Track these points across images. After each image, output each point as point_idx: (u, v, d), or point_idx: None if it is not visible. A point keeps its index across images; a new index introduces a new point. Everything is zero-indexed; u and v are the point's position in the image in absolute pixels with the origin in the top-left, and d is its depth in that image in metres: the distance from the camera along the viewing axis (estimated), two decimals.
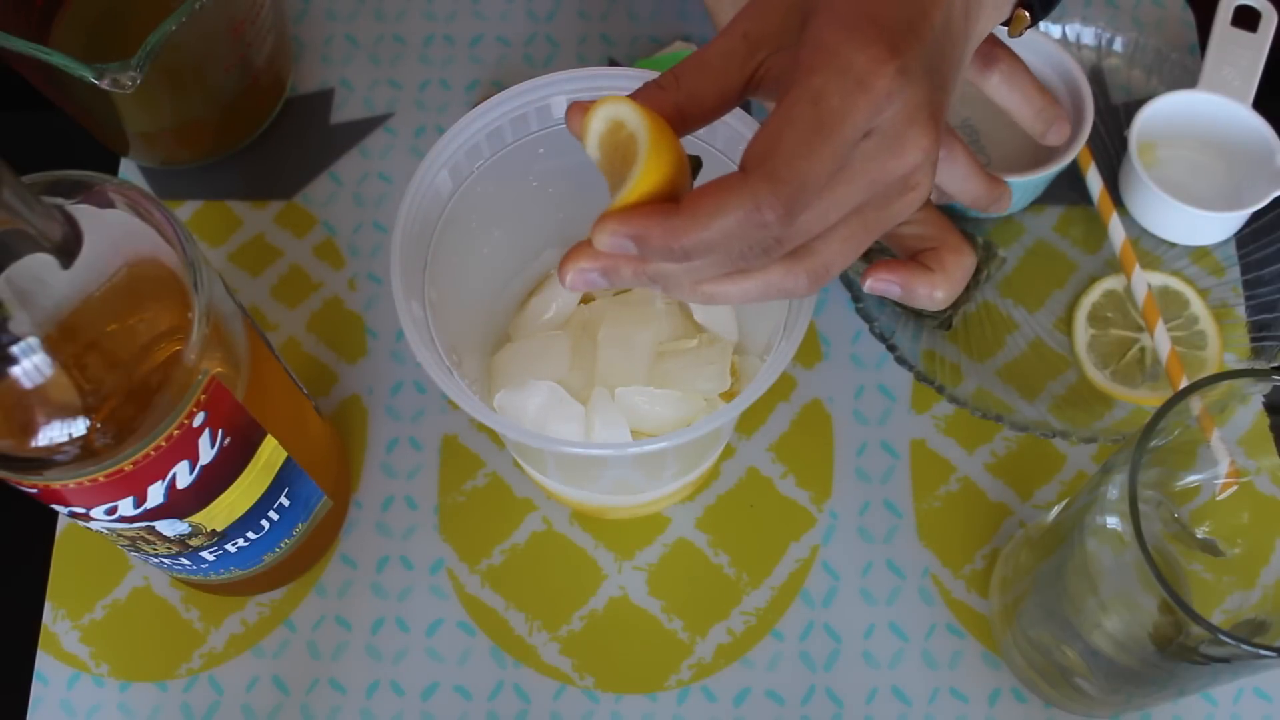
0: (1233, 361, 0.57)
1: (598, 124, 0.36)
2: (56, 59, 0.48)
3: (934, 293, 0.40)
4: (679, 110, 0.37)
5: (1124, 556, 0.39)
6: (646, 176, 0.34)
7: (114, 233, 0.38)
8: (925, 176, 0.35)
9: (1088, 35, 0.64)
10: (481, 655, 0.53)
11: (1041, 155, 0.59)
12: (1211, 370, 0.57)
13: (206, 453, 0.41)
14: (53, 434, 0.37)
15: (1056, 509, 0.47)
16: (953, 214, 0.60)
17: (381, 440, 0.57)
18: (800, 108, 0.33)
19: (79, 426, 0.37)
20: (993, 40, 0.44)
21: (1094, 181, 0.60)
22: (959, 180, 0.43)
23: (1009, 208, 0.60)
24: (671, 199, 0.34)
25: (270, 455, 0.45)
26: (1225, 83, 0.60)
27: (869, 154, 0.34)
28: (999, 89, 0.45)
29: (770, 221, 0.33)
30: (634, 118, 0.35)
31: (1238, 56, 0.60)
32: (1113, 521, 0.39)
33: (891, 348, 0.56)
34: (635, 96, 0.36)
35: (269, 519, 0.48)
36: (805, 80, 0.33)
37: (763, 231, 0.33)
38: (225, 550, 0.48)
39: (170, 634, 0.54)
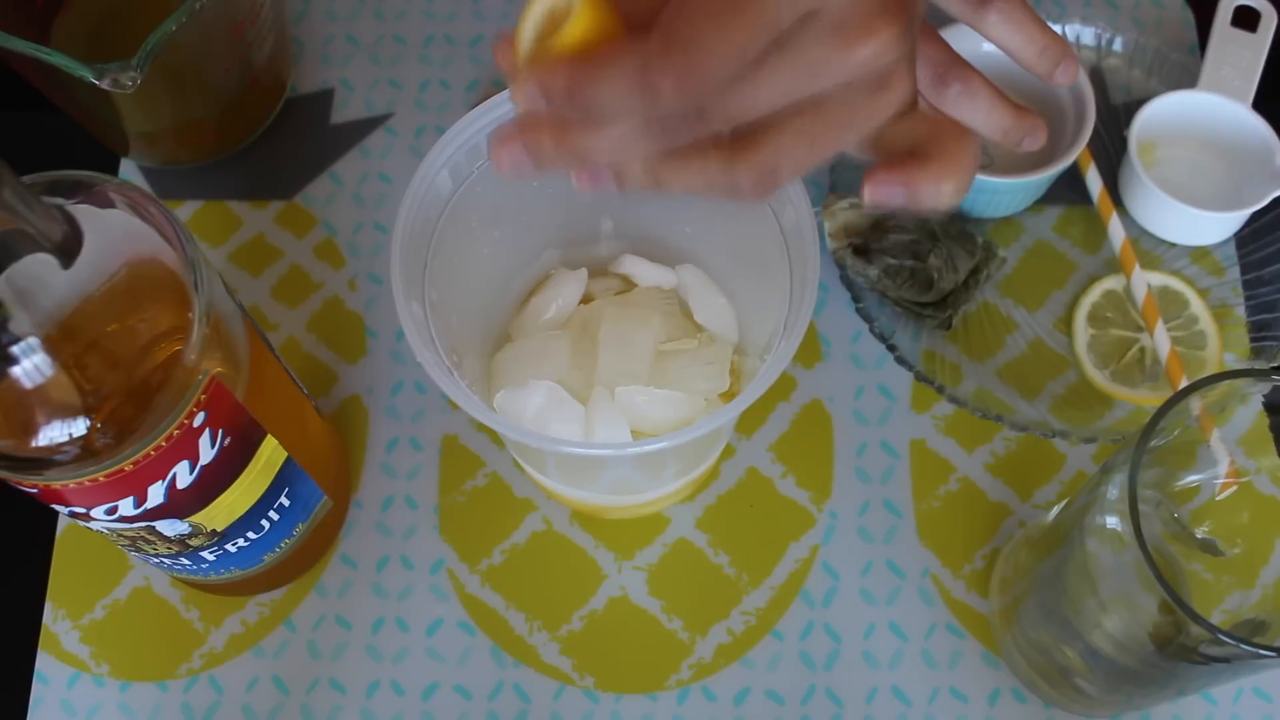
0: (1233, 361, 0.57)
1: (530, 23, 0.34)
2: (56, 59, 0.48)
3: (940, 186, 0.35)
4: (619, 21, 0.34)
5: (1124, 556, 0.39)
6: (574, 27, 0.32)
7: (114, 233, 0.38)
8: (900, 74, 0.32)
9: (1088, 35, 0.64)
10: (481, 655, 0.53)
11: (1042, 156, 0.59)
12: (1211, 370, 0.57)
13: (206, 453, 0.41)
14: (53, 434, 0.37)
15: (1056, 509, 0.47)
16: (952, 212, 0.60)
17: (381, 440, 0.57)
18: None
19: (79, 426, 0.37)
20: None
21: (1094, 181, 0.60)
22: (982, 114, 0.40)
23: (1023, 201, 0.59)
24: None
25: (270, 455, 0.45)
26: (1225, 83, 0.60)
27: (814, 37, 0.31)
28: (996, 28, 0.42)
29: (663, 87, 0.31)
30: None
31: (1238, 56, 0.60)
32: (1113, 521, 0.39)
33: (891, 348, 0.56)
34: None
35: (269, 519, 0.48)
36: None
37: (662, 101, 0.31)
38: (225, 550, 0.48)
39: (170, 634, 0.54)
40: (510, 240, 0.51)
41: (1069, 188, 0.61)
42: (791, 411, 0.58)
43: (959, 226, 0.58)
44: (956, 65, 0.42)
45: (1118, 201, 0.61)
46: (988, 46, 0.60)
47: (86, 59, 0.48)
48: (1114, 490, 0.39)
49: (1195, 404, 0.41)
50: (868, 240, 0.57)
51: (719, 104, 0.32)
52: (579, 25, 0.33)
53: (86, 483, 0.39)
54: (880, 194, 0.35)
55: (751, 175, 0.33)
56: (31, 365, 0.36)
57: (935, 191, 0.35)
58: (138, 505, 0.41)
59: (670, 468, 0.49)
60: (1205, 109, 0.60)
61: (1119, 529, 0.39)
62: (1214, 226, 0.59)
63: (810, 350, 0.59)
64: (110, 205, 0.39)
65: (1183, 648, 0.39)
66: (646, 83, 0.31)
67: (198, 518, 0.44)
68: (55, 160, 0.40)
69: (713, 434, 0.47)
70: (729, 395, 0.51)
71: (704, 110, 0.32)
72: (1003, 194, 0.58)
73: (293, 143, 0.64)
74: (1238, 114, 0.59)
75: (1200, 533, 0.47)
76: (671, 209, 0.52)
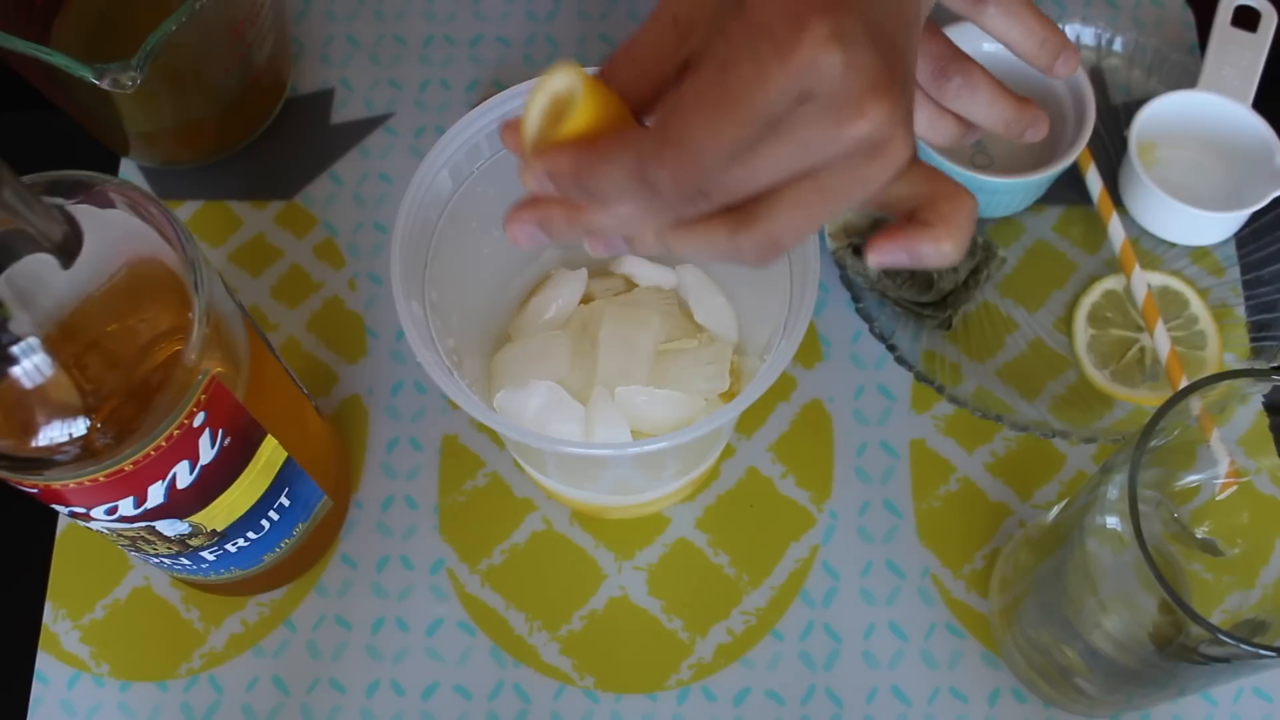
0: (1232, 361, 0.57)
1: (534, 113, 0.35)
2: (56, 59, 0.48)
3: (940, 247, 0.37)
4: (624, 96, 0.36)
5: (1124, 556, 0.39)
6: (578, 117, 0.34)
7: (114, 233, 0.38)
8: (896, 140, 0.33)
9: (1088, 35, 0.64)
10: (481, 655, 0.53)
11: (1042, 156, 0.59)
12: (1211, 370, 0.57)
13: (207, 453, 0.41)
14: (53, 434, 0.37)
15: (1056, 509, 0.47)
16: None
17: (381, 440, 0.57)
18: (708, 73, 0.32)
19: (79, 426, 0.37)
20: None
21: (1094, 181, 0.60)
22: (983, 107, 0.41)
23: (1018, 209, 0.60)
24: None
25: (270, 455, 0.45)
26: (1225, 83, 0.60)
27: (807, 119, 0.32)
28: (995, 21, 0.42)
29: (659, 180, 0.32)
30: (565, 76, 0.35)
31: (1238, 56, 0.60)
32: (1113, 521, 0.39)
33: (891, 348, 0.56)
34: None
35: (269, 519, 0.48)
36: (720, 46, 0.32)
37: (658, 191, 0.33)
38: (225, 550, 0.48)
39: (170, 634, 0.54)
40: (510, 240, 0.51)
41: (1069, 188, 0.61)
42: (791, 411, 0.58)
43: None
44: (957, 59, 0.42)
45: (1118, 201, 0.61)
46: (988, 46, 0.60)
47: (86, 59, 0.48)
48: (1114, 490, 0.39)
49: (1195, 404, 0.41)
50: (868, 240, 0.57)
51: (719, 183, 0.33)
52: (583, 114, 0.34)
53: (86, 483, 0.39)
54: (884, 259, 0.37)
55: (754, 246, 0.35)
56: (31, 365, 0.36)
57: (936, 253, 0.37)
58: (138, 505, 0.41)
59: (670, 468, 0.49)
60: (1205, 109, 0.60)
61: (1119, 529, 0.39)
62: (1214, 226, 0.59)
63: (810, 350, 0.59)
64: (110, 205, 0.39)
65: (1183, 648, 0.39)
66: (644, 175, 0.33)
67: (198, 518, 0.44)
68: (55, 160, 0.40)
69: (713, 434, 0.47)
70: (729, 395, 0.51)
71: (705, 190, 0.33)
72: (1003, 194, 0.58)
73: (293, 143, 0.64)
74: (1238, 114, 0.59)
75: (1200, 533, 0.47)
76: None
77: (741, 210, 0.34)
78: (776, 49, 0.31)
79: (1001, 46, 0.59)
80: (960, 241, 0.37)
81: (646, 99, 0.37)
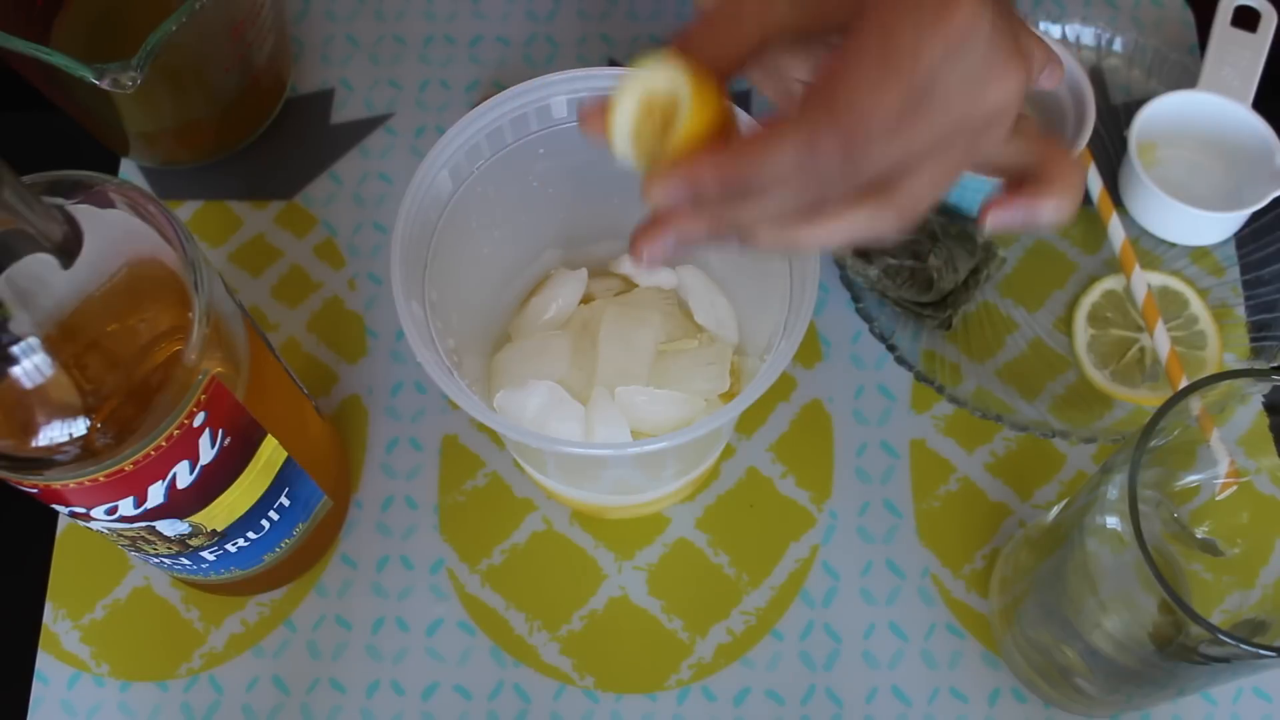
0: (1232, 361, 0.57)
1: (625, 111, 0.34)
2: (56, 59, 0.48)
3: (1061, 205, 0.38)
4: (714, 66, 0.35)
5: (1124, 556, 0.39)
6: (694, 117, 0.33)
7: (114, 233, 0.38)
8: (1014, 107, 0.34)
9: (1088, 35, 0.64)
10: (481, 655, 0.53)
11: None
12: (1211, 370, 0.57)
13: (207, 453, 0.41)
14: (53, 434, 0.37)
15: (1056, 509, 0.47)
16: (952, 212, 0.60)
17: (381, 440, 0.57)
18: (868, 40, 0.32)
19: (79, 426, 0.37)
20: None
21: (1094, 181, 0.60)
22: None
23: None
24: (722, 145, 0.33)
25: (270, 455, 0.45)
26: (1225, 83, 0.60)
27: (956, 88, 0.33)
28: None
29: (828, 157, 0.32)
30: (667, 77, 0.33)
31: (1238, 56, 0.60)
32: (1113, 521, 0.39)
33: (891, 348, 0.56)
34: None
35: (269, 519, 0.48)
36: (875, 14, 0.32)
37: (823, 167, 0.32)
38: (225, 550, 0.48)
39: (170, 634, 0.54)
40: (510, 240, 0.51)
41: None
42: (791, 411, 0.58)
43: (959, 226, 0.58)
44: None
45: (1118, 201, 0.61)
46: None
47: (86, 59, 0.48)
48: (1114, 490, 0.39)
49: (1195, 404, 0.41)
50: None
51: (881, 153, 0.33)
52: (696, 117, 0.33)
53: (86, 483, 0.39)
54: (1003, 221, 0.38)
55: (897, 217, 0.35)
56: (31, 365, 0.36)
57: (1056, 212, 0.38)
58: (138, 505, 0.41)
59: (670, 468, 0.49)
60: (1205, 109, 0.60)
61: (1119, 529, 0.39)
62: (1214, 226, 0.59)
63: (810, 350, 0.59)
64: (110, 205, 0.39)
65: (1183, 648, 0.39)
66: (815, 151, 0.32)
67: (198, 518, 0.44)
68: (55, 160, 0.40)
69: (713, 434, 0.47)
70: (729, 395, 0.51)
71: (867, 159, 0.33)
72: None
73: (293, 143, 0.64)
74: (1238, 114, 0.59)
75: (1200, 533, 0.47)
76: None
77: (880, 185, 0.34)
78: (935, 15, 0.31)
79: None
80: (1075, 199, 0.38)
81: (733, 68, 0.35)
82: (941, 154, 0.34)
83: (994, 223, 0.38)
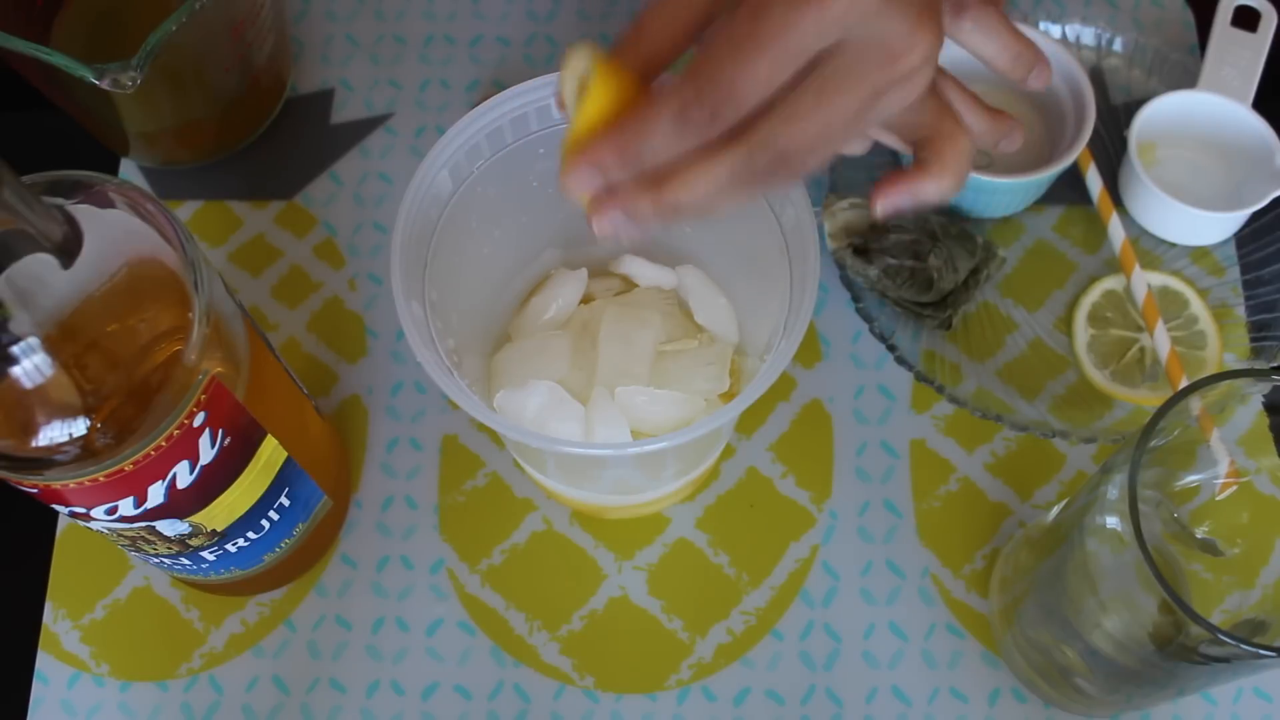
0: (1232, 361, 0.57)
1: (570, 86, 0.37)
2: (56, 59, 0.48)
3: (941, 185, 0.40)
4: (647, 63, 0.37)
5: (1124, 556, 0.39)
6: (594, 100, 0.36)
7: (114, 233, 0.38)
8: (923, 72, 0.35)
9: (1088, 35, 0.64)
10: (481, 655, 0.53)
11: (1042, 156, 0.59)
12: (1211, 370, 0.57)
13: (207, 453, 0.41)
14: (53, 434, 0.37)
15: (1056, 509, 0.47)
16: (951, 213, 0.60)
17: (381, 440, 0.57)
18: (741, 15, 0.33)
19: (79, 426, 0.37)
20: None
21: (1094, 181, 0.60)
22: (993, 47, 0.43)
23: (1017, 206, 0.60)
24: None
25: (270, 455, 0.45)
26: (1225, 83, 0.60)
27: (840, 57, 0.34)
28: (972, 36, 0.44)
29: (698, 124, 0.34)
30: (583, 62, 0.36)
31: (1238, 56, 0.60)
32: (1113, 521, 0.39)
33: (891, 348, 0.56)
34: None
35: (269, 519, 0.48)
36: None
37: (696, 132, 0.34)
38: (225, 550, 0.48)
39: (170, 634, 0.54)
40: (510, 240, 0.51)
41: (1069, 188, 0.61)
42: (791, 411, 0.58)
43: (959, 226, 0.58)
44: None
45: (1118, 201, 0.61)
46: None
47: (86, 59, 0.48)
48: (1114, 490, 0.39)
49: (1195, 404, 0.41)
50: (868, 240, 0.57)
51: (746, 120, 0.35)
52: (599, 96, 0.36)
53: (86, 483, 0.39)
54: (890, 203, 0.40)
55: (787, 172, 0.36)
56: (31, 365, 0.36)
57: (938, 191, 0.40)
58: (138, 505, 0.41)
59: (670, 468, 0.49)
60: (1205, 109, 0.60)
61: (1119, 529, 0.39)
62: (1214, 226, 0.59)
63: (810, 350, 0.59)
64: (110, 205, 0.39)
65: (1183, 648, 0.39)
66: (686, 119, 0.34)
67: (198, 518, 0.44)
68: (55, 160, 0.40)
69: (713, 434, 0.47)
70: (729, 395, 0.51)
71: (728, 126, 0.35)
72: (1003, 194, 0.58)
73: (293, 143, 0.64)
74: (1238, 114, 0.59)
75: (1200, 533, 0.47)
76: None
77: (763, 143, 0.35)
78: None
79: None
80: (959, 179, 0.40)
81: (677, 51, 0.38)
82: (831, 115, 0.35)
83: (881, 205, 0.40)
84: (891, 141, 0.43)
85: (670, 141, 0.35)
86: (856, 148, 0.44)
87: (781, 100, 0.34)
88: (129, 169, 0.64)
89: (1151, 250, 0.60)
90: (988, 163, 0.60)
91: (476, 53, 0.66)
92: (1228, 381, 0.40)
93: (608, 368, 0.50)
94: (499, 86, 0.65)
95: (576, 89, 0.37)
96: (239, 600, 0.54)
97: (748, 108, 0.34)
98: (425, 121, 0.65)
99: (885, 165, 0.61)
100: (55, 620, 0.54)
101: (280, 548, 0.50)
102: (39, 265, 0.35)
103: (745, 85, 0.34)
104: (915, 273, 0.57)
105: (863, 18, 0.33)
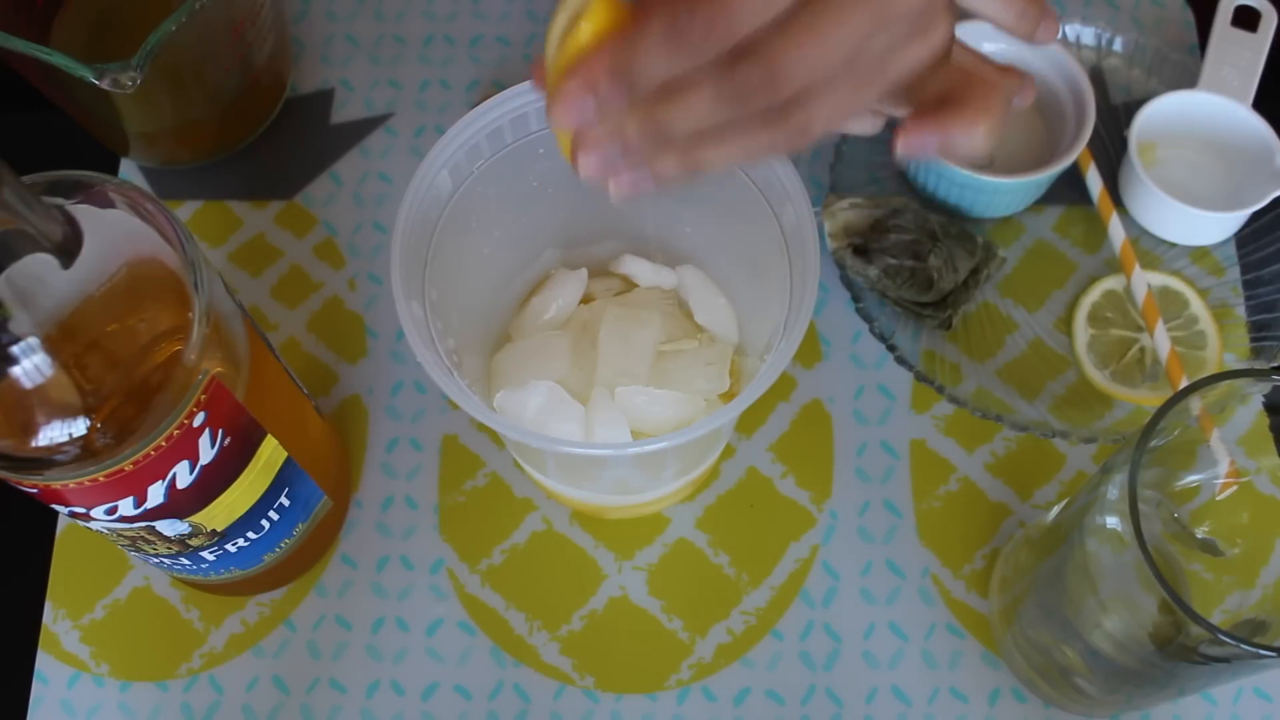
0: (1233, 361, 0.57)
1: (560, 22, 0.36)
2: (56, 59, 0.48)
3: (974, 128, 0.36)
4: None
5: (1124, 556, 0.39)
6: (592, 20, 0.34)
7: (114, 233, 0.38)
8: (941, 22, 0.33)
9: (1088, 35, 0.64)
10: (481, 655, 0.53)
11: (1043, 156, 0.59)
12: (1211, 370, 0.57)
13: (206, 453, 0.41)
14: (53, 434, 0.37)
15: (1056, 509, 0.47)
16: (951, 213, 0.60)
17: (381, 440, 0.57)
18: None
19: (79, 426, 0.37)
20: None
21: (1094, 181, 0.60)
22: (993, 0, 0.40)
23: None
24: None
25: (270, 455, 0.45)
26: (1225, 83, 0.60)
27: None
28: None
29: (692, 31, 0.32)
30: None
31: (1238, 56, 0.60)
32: (1113, 521, 0.39)
33: (891, 348, 0.56)
34: None
35: (269, 519, 0.48)
36: None
37: (695, 46, 0.32)
38: (225, 550, 0.48)
39: (170, 634, 0.54)
40: (510, 240, 0.51)
41: (1069, 188, 0.61)
42: (791, 411, 0.58)
43: (959, 226, 0.58)
44: None
45: (1118, 201, 0.61)
46: (989, 46, 0.60)
47: (86, 59, 0.48)
48: (1114, 490, 0.39)
49: (1195, 404, 0.41)
50: (868, 240, 0.57)
51: (776, 64, 0.32)
52: (595, 18, 0.34)
53: (86, 483, 0.39)
54: (914, 143, 0.36)
55: (789, 135, 0.34)
56: (31, 365, 0.36)
57: (969, 135, 0.35)
58: (138, 505, 0.41)
59: (670, 468, 0.49)
60: (1205, 109, 0.60)
61: (1119, 529, 0.39)
62: (1214, 226, 0.59)
63: (810, 350, 0.59)
64: (110, 205, 0.39)
65: (1183, 648, 0.39)
66: (678, 33, 0.31)
67: (198, 518, 0.44)
68: (55, 160, 0.40)
69: (713, 434, 0.47)
70: (729, 395, 0.51)
71: (769, 74, 0.32)
72: (1003, 194, 0.58)
73: (293, 143, 0.64)
74: (1238, 114, 0.59)
75: (1200, 533, 0.47)
76: (672, 209, 0.52)
77: (779, 104, 0.33)
78: None
79: (1000, 48, 0.59)
80: (993, 125, 0.36)
81: None
82: (829, 42, 0.32)
83: (904, 145, 0.36)
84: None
85: (663, 57, 0.32)
86: (867, 126, 0.41)
87: (779, 23, 0.32)
88: (129, 169, 0.64)
89: (1151, 250, 0.60)
90: (988, 163, 0.60)
91: (476, 53, 0.66)
92: (1228, 381, 0.40)
93: (608, 368, 0.50)
94: (499, 86, 0.65)
95: (566, 25, 0.35)
96: (239, 600, 0.54)
97: (743, 22, 0.32)
98: (425, 121, 0.65)
99: (885, 165, 0.61)
100: (55, 620, 0.54)
101: (280, 548, 0.50)
102: (39, 265, 0.35)
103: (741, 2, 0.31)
104: (915, 273, 0.57)
105: None
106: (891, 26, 0.32)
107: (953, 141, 0.36)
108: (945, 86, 0.36)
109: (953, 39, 0.34)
